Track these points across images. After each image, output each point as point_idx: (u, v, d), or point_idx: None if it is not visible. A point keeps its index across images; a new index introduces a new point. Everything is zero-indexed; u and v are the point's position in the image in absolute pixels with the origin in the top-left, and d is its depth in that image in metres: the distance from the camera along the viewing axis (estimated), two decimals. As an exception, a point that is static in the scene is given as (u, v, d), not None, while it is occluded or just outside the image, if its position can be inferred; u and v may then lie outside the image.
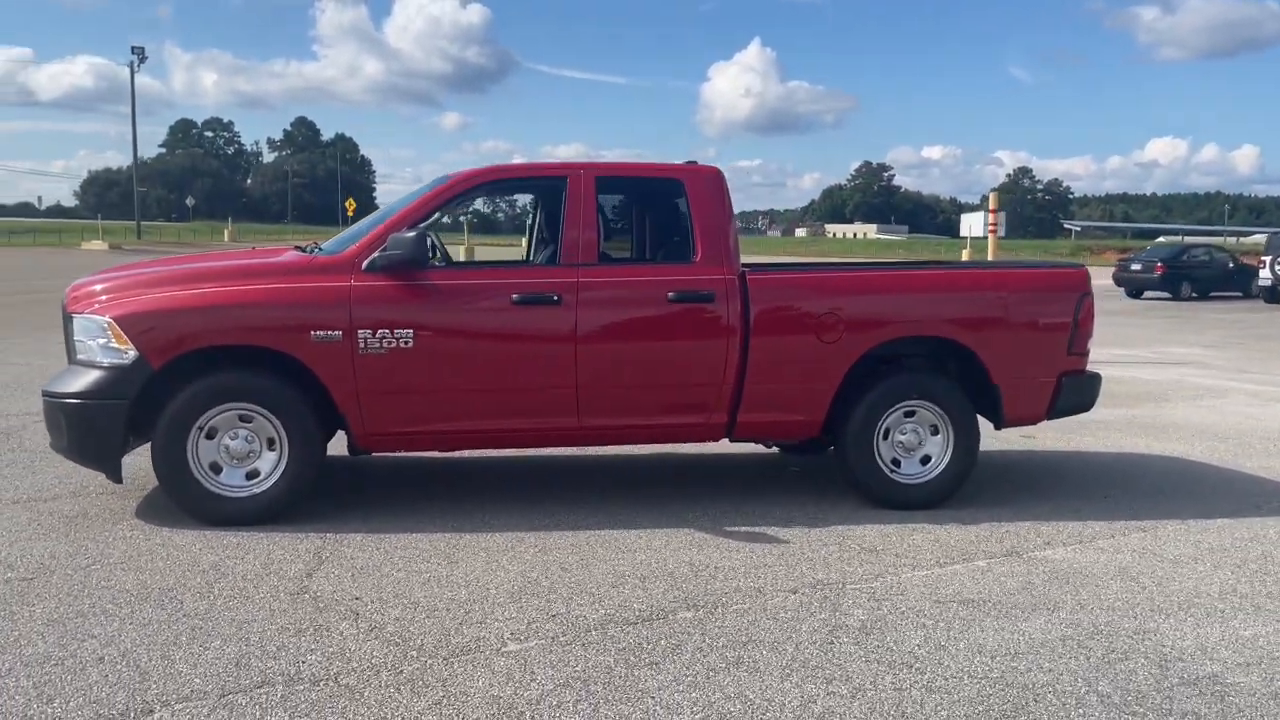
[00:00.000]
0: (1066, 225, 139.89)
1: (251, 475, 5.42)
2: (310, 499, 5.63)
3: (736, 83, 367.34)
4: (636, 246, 6.48)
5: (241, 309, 5.32)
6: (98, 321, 5.27)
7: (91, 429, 5.26)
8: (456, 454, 6.79)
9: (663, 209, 6.14)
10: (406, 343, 5.41)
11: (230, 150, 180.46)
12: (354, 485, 6.31)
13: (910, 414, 5.97)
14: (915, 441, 5.99)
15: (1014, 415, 6.18)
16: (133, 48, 69.66)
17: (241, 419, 5.39)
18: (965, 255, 51.34)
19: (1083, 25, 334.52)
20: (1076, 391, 6.23)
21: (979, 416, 6.11)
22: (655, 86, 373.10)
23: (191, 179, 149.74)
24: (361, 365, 5.38)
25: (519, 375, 5.58)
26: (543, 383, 5.59)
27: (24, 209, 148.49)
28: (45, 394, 5.40)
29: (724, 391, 5.77)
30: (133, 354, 5.20)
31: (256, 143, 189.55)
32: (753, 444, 6.86)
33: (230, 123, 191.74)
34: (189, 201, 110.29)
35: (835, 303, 5.84)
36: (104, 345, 5.25)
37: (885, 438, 5.96)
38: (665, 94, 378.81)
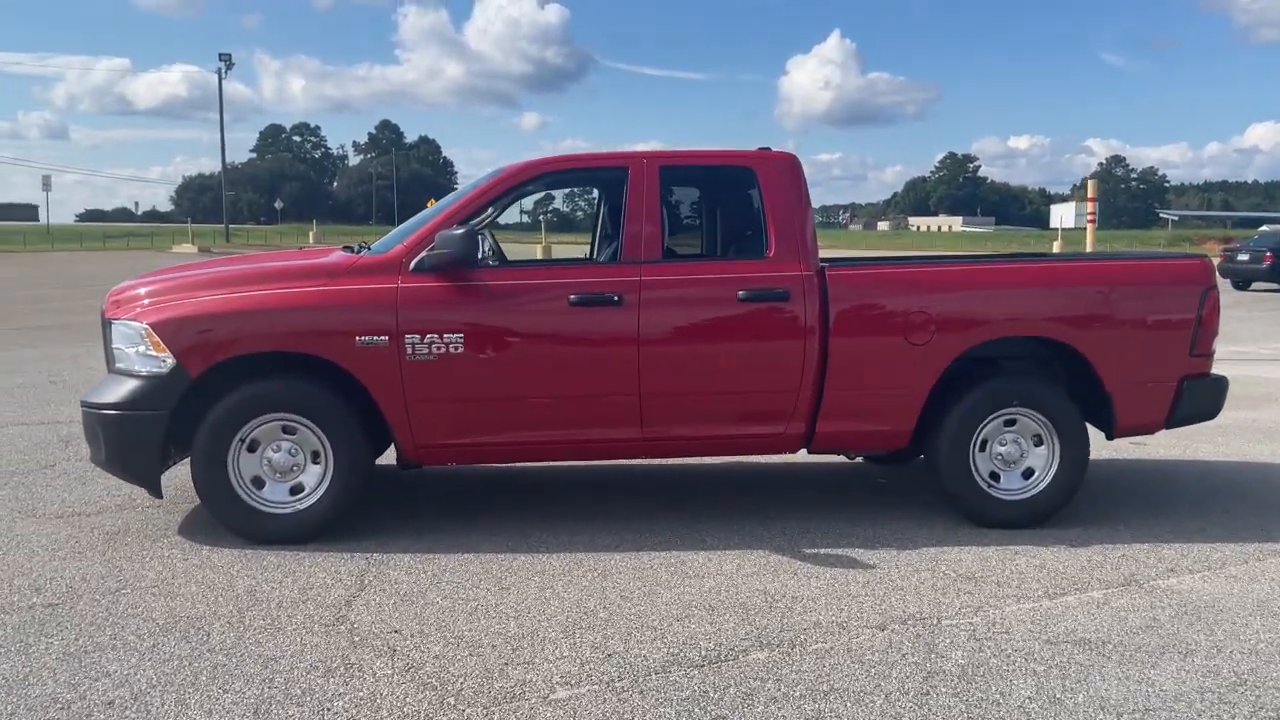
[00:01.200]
0: (1163, 215, 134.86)
1: (295, 490, 5.10)
2: (359, 514, 5.29)
3: (815, 75, 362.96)
4: (705, 241, 6.01)
5: (282, 313, 4.99)
6: (136, 328, 4.99)
7: (129, 442, 4.99)
8: (515, 465, 6.40)
9: (733, 200, 5.66)
10: (456, 348, 5.02)
11: (317, 154, 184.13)
12: (407, 498, 5.96)
13: (1011, 423, 5.38)
14: (1016, 453, 5.40)
15: (1128, 424, 5.55)
16: (220, 55, 71.38)
17: (285, 430, 5.07)
18: (1057, 247, 49.67)
19: (1177, 8, 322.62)
20: (1199, 397, 5.57)
21: (1088, 425, 5.49)
22: (732, 81, 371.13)
23: (280, 182, 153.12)
24: (409, 372, 5.01)
25: (577, 382, 5.15)
26: (602, 390, 5.16)
27: (122, 214, 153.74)
28: (83, 404, 5.14)
29: (801, 399, 5.26)
30: (171, 362, 4.91)
31: (342, 146, 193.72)
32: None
33: (317, 127, 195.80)
34: (277, 205, 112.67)
35: (925, 300, 5.29)
36: (141, 353, 4.97)
37: (983, 449, 5.38)
38: (742, 89, 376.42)
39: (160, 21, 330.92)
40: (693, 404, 5.24)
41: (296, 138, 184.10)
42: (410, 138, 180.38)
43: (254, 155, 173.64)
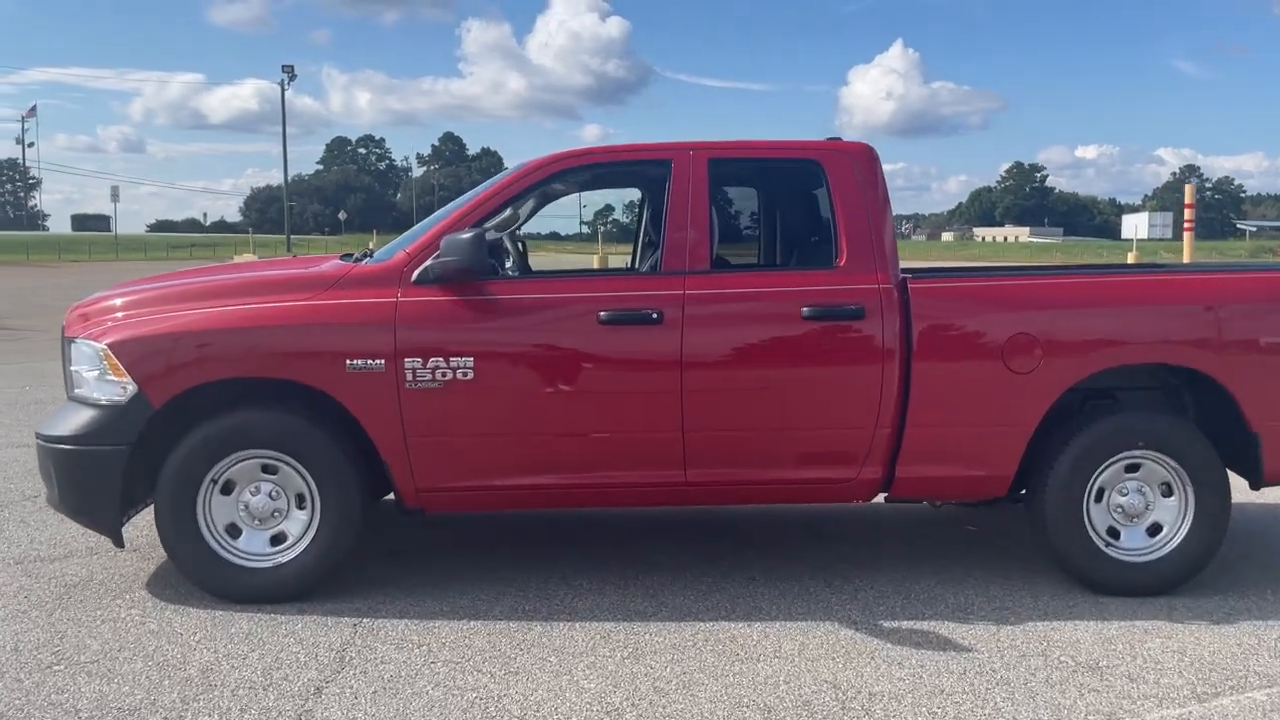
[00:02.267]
0: (1240, 225, 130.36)
1: (277, 540, 4.34)
2: (351, 562, 4.51)
3: (877, 85, 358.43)
4: (762, 248, 5.16)
5: (258, 332, 4.23)
6: (94, 349, 4.27)
7: (85, 482, 4.26)
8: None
9: (796, 199, 4.80)
10: (465, 374, 4.22)
11: (382, 165, 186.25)
12: (411, 538, 5.17)
13: (1133, 468, 4.43)
14: (1140, 505, 4.44)
15: (1279, 469, 4.56)
16: (283, 67, 72.23)
17: (265, 470, 4.31)
18: (1132, 258, 47.90)
19: (1250, 14, 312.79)
20: (1367, 437, 4.55)
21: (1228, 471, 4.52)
22: (793, 92, 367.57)
23: (345, 194, 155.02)
24: (409, 402, 4.22)
25: (607, 416, 4.32)
26: (638, 426, 4.32)
27: (190, 224, 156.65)
28: (36, 436, 4.43)
29: (878, 436, 4.37)
30: (131, 388, 4.18)
31: (406, 158, 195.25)
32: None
33: (382, 139, 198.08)
34: (341, 215, 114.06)
35: (1030, 319, 4.37)
36: (100, 378, 4.25)
37: (1099, 499, 4.44)
38: (804, 99, 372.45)
39: (234, 38, 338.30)
40: (746, 442, 4.38)
41: (362, 150, 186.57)
42: (473, 150, 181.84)
43: (320, 167, 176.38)
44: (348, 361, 4.20)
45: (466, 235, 4.17)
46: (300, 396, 4.29)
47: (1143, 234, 50.51)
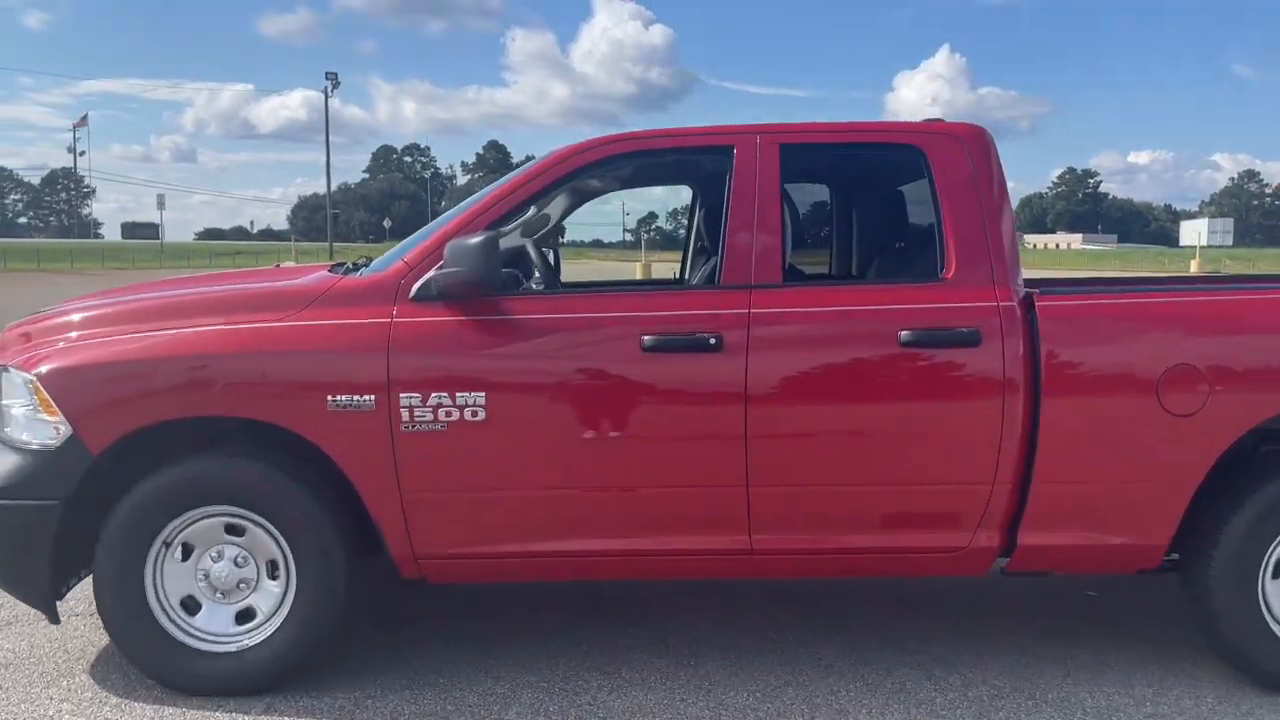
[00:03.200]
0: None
1: (244, 617, 3.50)
2: (336, 646, 3.66)
3: (923, 91, 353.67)
4: (844, 255, 4.23)
5: (218, 361, 3.40)
6: (23, 378, 3.46)
7: (8, 542, 3.45)
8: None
9: (889, 194, 3.89)
10: (476, 413, 3.36)
11: (427, 174, 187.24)
12: (408, 618, 4.32)
13: (1324, 536, 3.46)
14: (1334, 583, 3.47)
15: None
16: (326, 74, 72.10)
17: (230, 531, 3.48)
18: (1195, 266, 46.02)
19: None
20: None
21: None
22: (838, 98, 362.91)
23: (390, 202, 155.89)
24: (406, 449, 3.38)
25: (653, 467, 3.45)
26: (691, 479, 3.44)
27: (238, 232, 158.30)
28: (-43, 486, 3.63)
29: (996, 495, 3.45)
30: (65, 430, 3.37)
31: (451, 166, 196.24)
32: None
33: (427, 148, 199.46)
34: (386, 223, 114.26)
35: (1193, 346, 3.42)
36: (30, 415, 3.45)
37: (1276, 576, 3.48)
38: (849, 105, 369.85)
39: (283, 50, 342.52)
40: (827, 501, 3.48)
41: (407, 158, 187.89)
42: (517, 157, 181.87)
43: (366, 175, 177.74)
44: (329, 398, 3.36)
45: (476, 240, 3.31)
46: (274, 441, 3.46)
47: (1203, 241, 48.71)
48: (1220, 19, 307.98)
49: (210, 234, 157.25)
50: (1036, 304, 3.46)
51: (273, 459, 3.45)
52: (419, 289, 3.46)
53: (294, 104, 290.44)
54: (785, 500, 3.47)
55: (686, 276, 4.84)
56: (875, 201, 4.11)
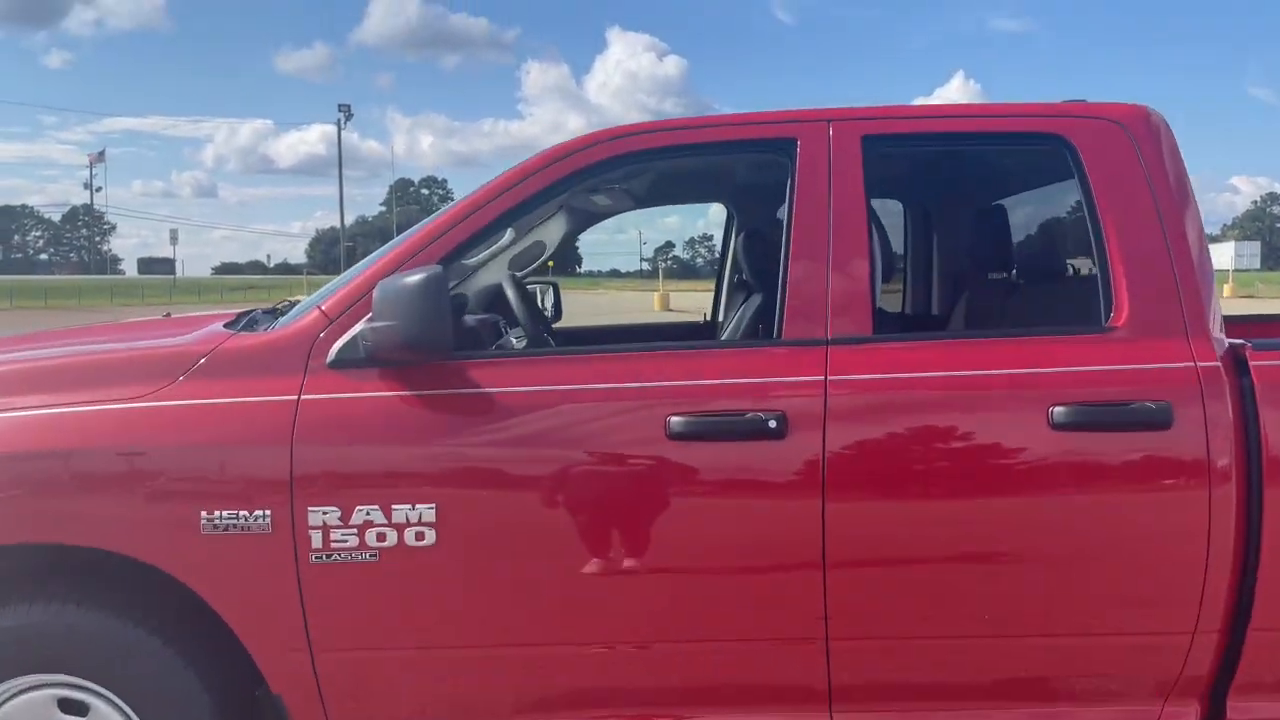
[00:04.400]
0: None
1: (87, 830, 2.38)
2: None
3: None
4: (948, 292, 3.09)
5: (36, 463, 2.30)
6: None
7: None
8: None
9: (1024, 204, 2.75)
10: (421, 534, 2.25)
11: (444, 206, 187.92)
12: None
13: None
14: None
15: None
16: (339, 106, 72.17)
17: (63, 708, 2.37)
18: (1227, 291, 44.72)
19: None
20: None
21: None
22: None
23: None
24: (317, 588, 2.27)
25: (684, 609, 2.32)
26: (742, 627, 2.31)
27: (254, 266, 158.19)
28: None
29: (1197, 646, 2.31)
30: None
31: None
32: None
33: (444, 180, 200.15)
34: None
35: None
36: None
37: None
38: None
39: (300, 85, 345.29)
40: (942, 660, 2.34)
41: (424, 190, 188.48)
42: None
43: (383, 209, 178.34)
44: (204, 515, 2.25)
45: (413, 280, 2.20)
46: (128, 579, 2.36)
47: (1225, 264, 47.48)
48: (1235, 43, 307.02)
49: (227, 268, 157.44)
50: (1251, 362, 2.33)
51: (125, 606, 2.34)
52: (340, 350, 2.35)
53: (312, 139, 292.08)
54: (882, 658, 2.34)
55: (721, 322, 3.72)
56: (997, 216, 2.96)
